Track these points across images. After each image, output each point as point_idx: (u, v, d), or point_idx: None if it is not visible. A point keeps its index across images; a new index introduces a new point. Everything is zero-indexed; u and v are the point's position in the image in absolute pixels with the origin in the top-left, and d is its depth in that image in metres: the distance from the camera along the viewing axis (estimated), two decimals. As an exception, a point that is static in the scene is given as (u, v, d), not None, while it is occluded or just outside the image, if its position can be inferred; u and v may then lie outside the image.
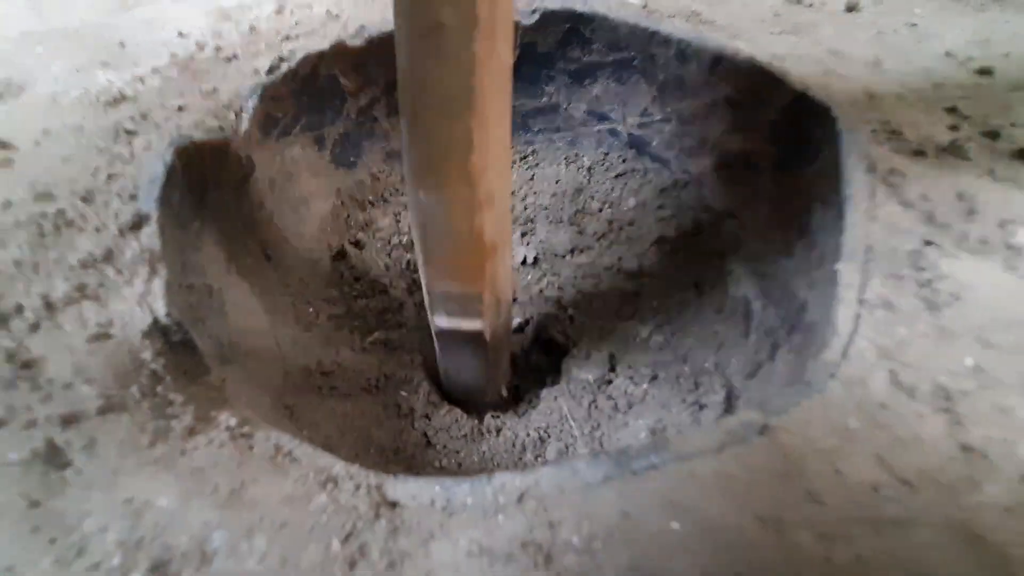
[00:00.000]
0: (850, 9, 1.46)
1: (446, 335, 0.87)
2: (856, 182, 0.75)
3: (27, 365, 0.56)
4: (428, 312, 0.86)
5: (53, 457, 0.50)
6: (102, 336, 0.60)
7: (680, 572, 0.45)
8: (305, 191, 1.16)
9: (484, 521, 0.49)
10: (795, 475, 0.51)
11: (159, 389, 0.58)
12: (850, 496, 0.51)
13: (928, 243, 0.76)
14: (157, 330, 0.62)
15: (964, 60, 1.29)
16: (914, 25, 1.42)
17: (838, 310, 0.64)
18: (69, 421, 0.53)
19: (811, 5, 1.47)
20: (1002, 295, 0.72)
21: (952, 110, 1.11)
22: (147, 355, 0.60)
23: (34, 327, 0.60)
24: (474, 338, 0.84)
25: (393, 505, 0.51)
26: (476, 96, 0.54)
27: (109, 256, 0.68)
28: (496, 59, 0.54)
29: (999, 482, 0.55)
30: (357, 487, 0.52)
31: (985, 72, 1.24)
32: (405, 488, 0.52)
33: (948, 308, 0.69)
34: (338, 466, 0.54)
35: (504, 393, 1.02)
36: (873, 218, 0.77)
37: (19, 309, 0.62)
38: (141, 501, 0.49)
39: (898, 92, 1.14)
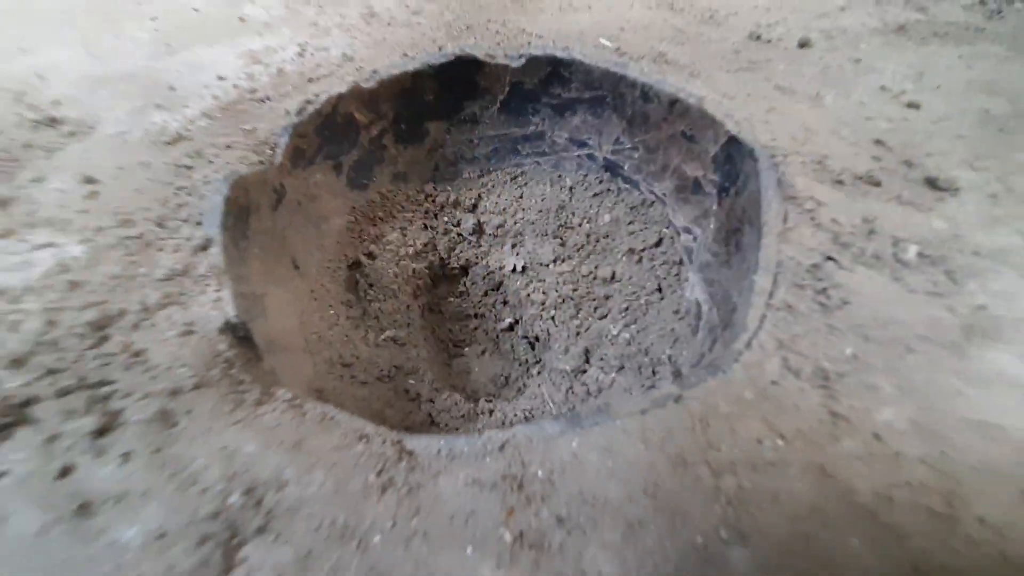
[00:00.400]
0: (803, 45, 1.67)
1: None
2: (772, 210, 0.96)
3: (137, 354, 0.77)
4: None
5: (166, 419, 0.71)
6: (188, 332, 0.81)
7: (611, 493, 0.66)
8: (325, 210, 1.36)
9: (476, 462, 0.70)
10: (699, 430, 0.72)
11: (232, 372, 0.79)
12: (739, 445, 0.72)
13: (828, 258, 0.97)
14: (228, 328, 0.82)
15: (897, 93, 1.50)
16: (858, 60, 1.63)
17: (748, 312, 0.85)
18: (174, 393, 0.73)
19: (769, 41, 1.68)
20: (884, 300, 0.93)
21: (878, 141, 1.32)
22: (222, 347, 0.81)
23: (135, 326, 0.81)
24: None
25: (411, 453, 0.72)
26: None
27: (186, 271, 0.88)
28: None
29: (855, 438, 0.76)
30: (384, 440, 0.73)
31: (913, 105, 1.45)
32: (419, 442, 0.73)
33: (838, 310, 0.90)
34: (369, 427, 0.75)
35: None
36: (786, 239, 0.97)
37: (123, 312, 0.82)
38: (232, 448, 0.69)
39: (832, 126, 1.35)
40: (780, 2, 1.90)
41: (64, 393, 0.72)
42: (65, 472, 0.66)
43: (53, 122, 1.16)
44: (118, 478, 0.66)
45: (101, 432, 0.69)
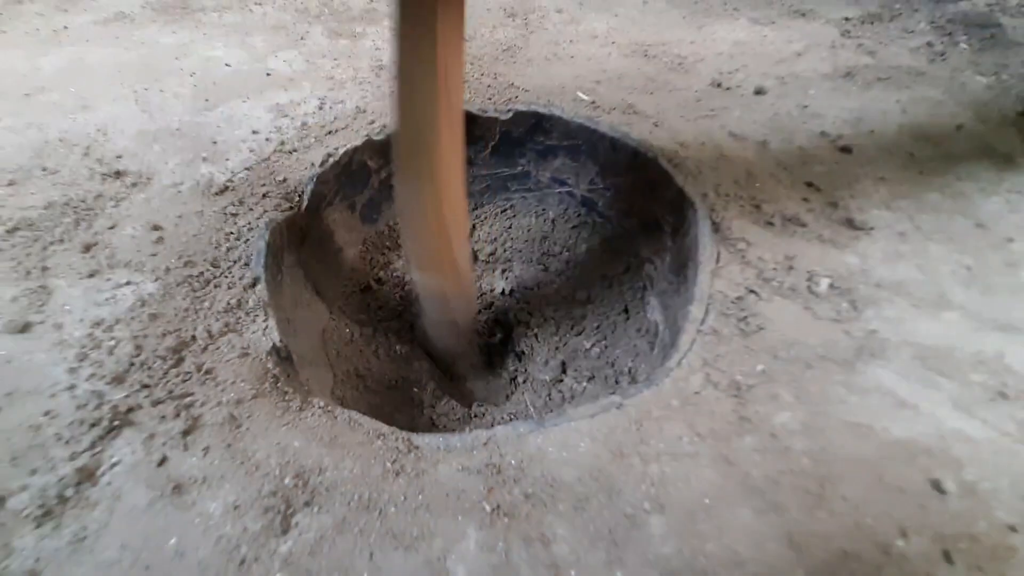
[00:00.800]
0: (758, 92, 1.90)
1: (434, 324, 1.35)
2: (706, 251, 1.19)
3: (208, 372, 1.01)
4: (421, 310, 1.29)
5: (234, 422, 0.95)
6: (244, 354, 1.04)
7: (565, 476, 0.89)
8: (341, 242, 1.60)
9: (466, 453, 0.93)
10: (634, 430, 0.95)
11: (279, 385, 1.03)
12: (664, 440, 0.95)
13: (751, 291, 1.20)
14: (274, 351, 1.06)
15: (835, 138, 1.73)
16: (805, 106, 1.86)
17: (682, 336, 1.08)
18: (238, 402, 0.97)
19: (728, 89, 1.91)
20: (793, 325, 1.16)
21: (810, 184, 1.55)
22: (270, 365, 1.04)
23: (204, 348, 1.05)
24: (450, 324, 1.33)
25: (417, 447, 0.95)
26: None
27: (240, 304, 1.12)
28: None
29: (755, 435, 0.99)
30: (397, 438, 0.96)
31: (845, 150, 1.68)
32: (423, 439, 0.96)
33: (754, 334, 1.13)
34: (384, 428, 0.98)
35: (475, 359, 1.46)
36: (718, 275, 1.21)
37: (194, 339, 1.06)
38: (284, 444, 0.93)
39: (772, 170, 1.58)
40: (743, 48, 2.14)
41: (157, 403, 0.95)
42: (162, 461, 0.90)
43: (118, 175, 1.39)
44: (202, 466, 0.90)
45: (187, 432, 0.93)
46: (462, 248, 1.21)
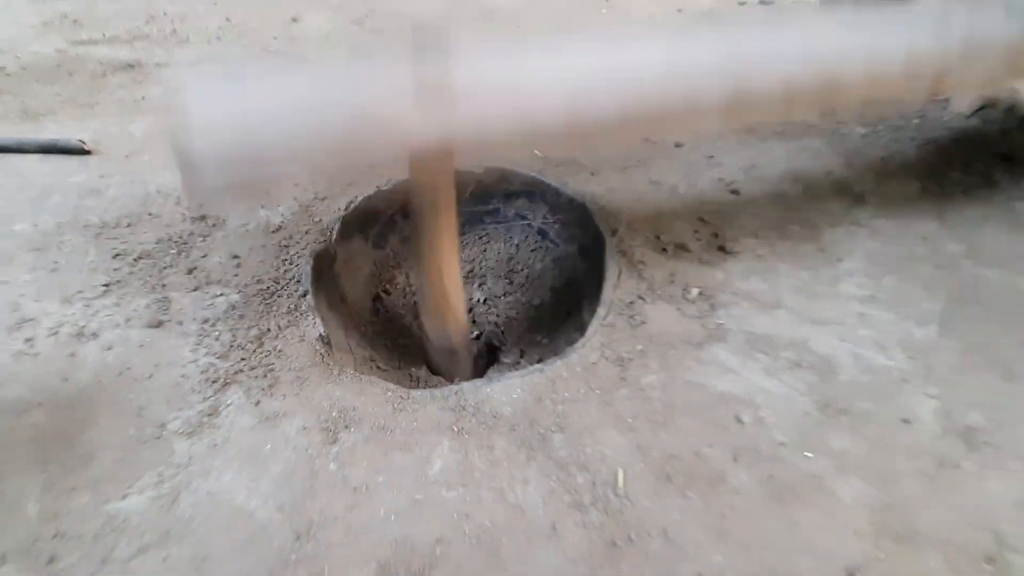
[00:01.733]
0: (678, 145, 2.51)
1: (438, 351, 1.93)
2: (611, 270, 1.80)
3: (280, 351, 1.62)
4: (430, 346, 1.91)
5: (300, 380, 1.55)
6: (302, 340, 1.66)
7: (504, 411, 1.50)
8: (358, 263, 2.21)
9: (443, 399, 1.54)
10: (549, 385, 1.56)
11: (325, 360, 1.64)
12: (568, 391, 1.56)
13: (640, 298, 1.80)
14: (320, 338, 1.67)
15: (729, 182, 2.34)
16: (711, 157, 2.47)
17: (589, 328, 1.69)
18: (301, 369, 1.58)
19: (655, 142, 2.52)
20: (667, 320, 1.76)
21: (701, 219, 2.15)
22: (319, 347, 1.65)
23: (276, 336, 1.66)
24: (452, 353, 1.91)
25: (412, 397, 1.56)
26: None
27: (296, 308, 1.73)
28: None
29: (628, 389, 1.59)
30: (400, 391, 1.57)
31: (734, 192, 2.29)
32: (416, 392, 1.57)
33: (639, 327, 1.74)
34: (392, 386, 1.59)
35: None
36: (619, 287, 1.82)
37: (269, 330, 1.67)
38: (331, 393, 1.54)
39: (676, 209, 2.19)
40: (672, 106, 2.75)
41: (252, 368, 1.56)
42: (258, 403, 1.51)
43: (203, 218, 2.01)
44: (282, 405, 1.50)
45: (271, 386, 1.54)
46: (461, 305, 1.83)
